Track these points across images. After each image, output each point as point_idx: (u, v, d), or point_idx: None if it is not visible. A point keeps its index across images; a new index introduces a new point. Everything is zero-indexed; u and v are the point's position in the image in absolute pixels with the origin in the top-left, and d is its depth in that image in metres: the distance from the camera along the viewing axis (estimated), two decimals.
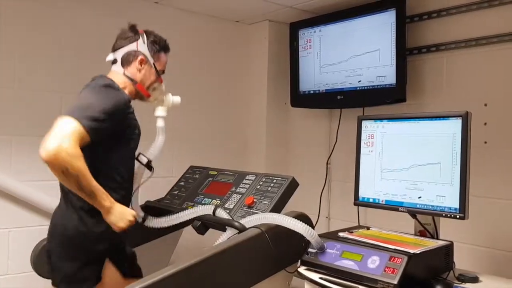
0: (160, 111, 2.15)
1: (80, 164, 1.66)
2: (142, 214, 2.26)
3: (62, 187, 1.95)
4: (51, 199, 2.43)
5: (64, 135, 1.63)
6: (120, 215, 1.84)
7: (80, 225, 1.87)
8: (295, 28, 3.38)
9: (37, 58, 2.72)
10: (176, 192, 2.54)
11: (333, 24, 3.15)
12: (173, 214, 2.18)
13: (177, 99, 2.18)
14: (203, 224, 2.18)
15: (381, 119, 2.14)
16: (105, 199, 1.79)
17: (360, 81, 3.00)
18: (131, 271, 2.03)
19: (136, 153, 2.08)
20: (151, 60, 2.07)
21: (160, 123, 2.13)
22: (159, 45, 2.10)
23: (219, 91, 3.50)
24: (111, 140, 1.85)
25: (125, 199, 2.00)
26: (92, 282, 1.87)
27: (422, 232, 2.02)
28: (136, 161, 2.09)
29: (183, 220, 2.16)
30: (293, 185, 2.19)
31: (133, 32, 2.06)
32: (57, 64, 2.77)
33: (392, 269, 1.65)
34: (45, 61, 2.74)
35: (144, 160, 2.10)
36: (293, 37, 3.40)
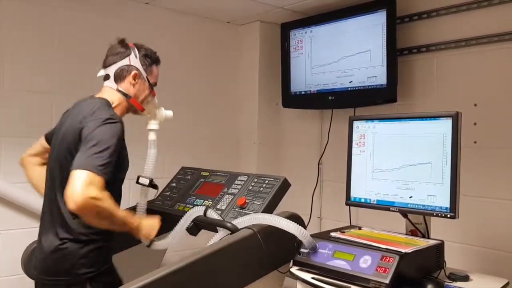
0: (153, 125, 2.15)
1: (109, 204, 1.73)
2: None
3: (49, 214, 1.93)
4: (41, 201, 2.42)
5: (87, 184, 1.66)
6: (149, 228, 1.97)
7: (68, 245, 1.85)
8: (286, 28, 3.39)
9: (27, 59, 2.70)
10: (168, 193, 2.53)
11: (324, 24, 3.16)
12: (173, 231, 2.13)
13: (169, 113, 2.20)
14: (195, 225, 2.17)
15: (372, 119, 2.15)
16: (134, 221, 1.90)
17: (351, 81, 3.01)
18: None
19: (136, 177, 2.11)
20: (144, 74, 2.06)
21: (152, 136, 2.14)
22: (151, 59, 2.09)
23: (211, 91, 3.50)
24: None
25: None
26: None
27: (413, 231, 2.03)
28: (138, 184, 2.12)
29: (184, 229, 2.13)
30: (285, 186, 2.19)
31: (124, 47, 2.04)
32: (47, 64, 2.76)
33: (384, 269, 1.65)
34: (35, 62, 2.72)
35: (146, 182, 2.12)
36: (284, 38, 3.40)
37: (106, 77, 2.04)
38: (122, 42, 2.06)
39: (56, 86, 2.78)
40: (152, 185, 2.14)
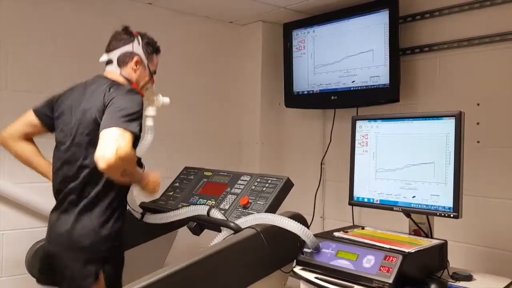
0: (151, 111, 2.22)
1: (134, 162, 1.83)
2: (140, 210, 2.28)
3: (68, 195, 1.96)
4: (45, 201, 2.43)
5: (118, 141, 1.71)
6: (154, 183, 2.02)
7: (89, 229, 1.91)
8: (288, 28, 3.39)
9: (30, 60, 2.71)
10: (171, 193, 2.54)
11: (327, 24, 3.16)
12: (171, 211, 2.20)
13: (166, 100, 2.26)
14: (198, 225, 2.18)
15: (375, 119, 2.15)
16: (144, 177, 1.97)
17: (353, 81, 3.01)
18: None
19: None
20: (145, 61, 2.13)
21: (149, 122, 2.20)
22: (153, 47, 2.17)
23: (213, 91, 3.50)
24: None
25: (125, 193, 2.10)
26: (91, 279, 1.90)
27: (417, 231, 2.03)
28: None
29: (180, 217, 2.17)
30: (288, 185, 2.20)
31: (128, 34, 2.11)
32: (50, 65, 2.76)
33: (387, 268, 1.65)
34: (37, 63, 2.73)
35: None
36: (286, 38, 3.40)
37: (109, 61, 2.09)
38: (126, 29, 2.12)
39: (58, 86, 2.76)
40: (139, 163, 2.13)
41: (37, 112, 2.11)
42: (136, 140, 1.85)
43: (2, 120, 2.61)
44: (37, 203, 2.62)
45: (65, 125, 2.01)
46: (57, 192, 2.02)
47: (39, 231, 2.50)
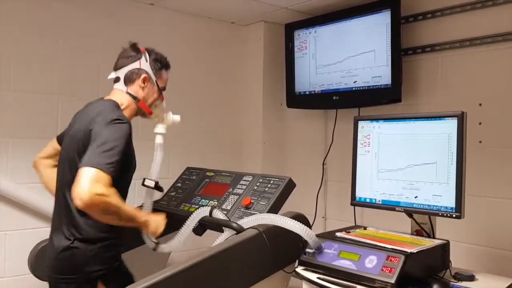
0: (160, 128, 2.18)
1: (115, 200, 1.75)
2: (155, 241, 2.21)
3: (59, 214, 1.95)
4: (48, 201, 2.43)
5: (93, 181, 1.68)
6: (156, 223, 1.99)
7: (77, 245, 1.88)
8: (290, 29, 3.39)
9: (34, 60, 2.71)
10: (173, 194, 2.54)
11: (329, 25, 3.16)
12: (178, 232, 2.14)
13: (177, 117, 2.22)
14: (201, 226, 2.18)
15: (377, 119, 2.15)
16: (141, 217, 1.93)
17: (355, 81, 3.01)
18: None
19: (141, 179, 2.13)
20: (154, 78, 2.09)
21: (159, 139, 2.16)
22: (161, 63, 2.12)
23: (215, 92, 3.50)
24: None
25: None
26: None
27: (419, 231, 2.03)
28: (143, 186, 2.15)
29: (189, 230, 2.14)
30: (290, 186, 2.20)
31: (135, 50, 2.08)
32: (53, 66, 2.77)
33: (389, 268, 1.65)
34: (41, 63, 2.74)
35: (152, 184, 2.14)
36: (288, 38, 3.41)
37: (116, 79, 2.07)
38: (134, 46, 2.09)
39: (62, 87, 2.80)
40: (157, 187, 2.17)
41: (58, 137, 2.17)
42: (116, 178, 1.77)
43: (5, 120, 2.63)
44: (40, 203, 2.63)
45: (62, 148, 2.04)
46: (53, 212, 2.02)
47: (41, 231, 2.50)
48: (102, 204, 1.70)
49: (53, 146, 2.17)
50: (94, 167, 1.71)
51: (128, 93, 2.05)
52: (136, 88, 2.06)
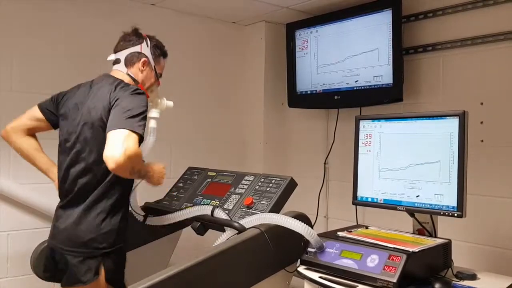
0: (154, 113, 2.24)
1: (141, 160, 1.88)
2: (142, 213, 2.30)
3: (72, 192, 1.99)
4: (49, 201, 2.44)
5: (126, 143, 1.76)
6: (158, 174, 2.06)
7: (91, 225, 1.94)
8: (291, 28, 3.39)
9: (35, 60, 2.72)
10: (175, 194, 2.54)
11: (330, 24, 3.16)
12: (173, 213, 2.21)
13: (170, 103, 2.29)
14: (202, 225, 2.18)
15: (378, 119, 2.15)
16: (149, 170, 2.00)
17: (357, 81, 3.01)
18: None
19: None
20: (152, 63, 2.16)
21: (152, 124, 2.22)
22: (160, 50, 2.21)
23: (216, 92, 3.51)
24: None
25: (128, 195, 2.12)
26: (91, 274, 1.93)
27: (421, 230, 2.03)
28: None
29: (183, 218, 2.19)
30: (291, 185, 2.20)
31: (137, 35, 2.15)
32: (55, 66, 2.78)
33: (391, 268, 1.65)
34: (43, 64, 2.74)
35: None
36: (289, 38, 3.41)
37: (117, 61, 2.14)
38: (136, 31, 2.17)
39: (62, 87, 2.78)
40: None
41: (41, 107, 2.15)
42: (141, 139, 1.88)
43: (7, 120, 2.63)
44: (42, 203, 2.64)
45: (69, 122, 2.04)
46: (61, 189, 2.04)
47: (44, 231, 2.50)
48: (132, 165, 1.78)
49: (34, 116, 2.14)
50: (125, 129, 1.79)
51: (128, 74, 2.10)
52: (135, 71, 2.12)
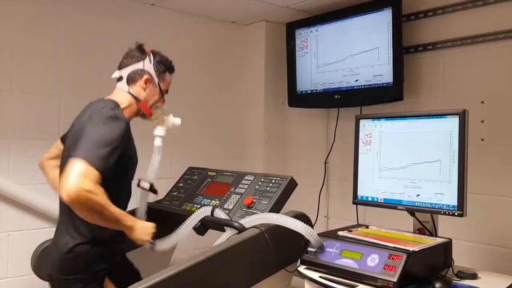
0: (159, 131, 2.16)
1: (102, 199, 1.69)
2: (151, 241, 2.22)
3: (63, 214, 1.96)
4: (50, 201, 2.44)
5: (82, 176, 1.64)
6: (143, 230, 1.91)
7: (81, 246, 1.88)
8: (291, 28, 3.39)
9: (35, 61, 2.72)
10: (175, 193, 2.54)
11: (330, 23, 3.16)
12: (177, 229, 2.13)
13: (177, 120, 2.20)
14: (203, 225, 2.18)
15: (378, 118, 2.15)
16: (127, 220, 1.85)
17: (357, 80, 3.01)
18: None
19: (136, 179, 2.10)
20: (156, 80, 2.08)
21: (157, 142, 2.14)
22: (165, 66, 2.12)
23: (217, 92, 3.51)
24: (109, 174, 1.78)
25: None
26: None
27: (421, 229, 2.03)
28: (138, 188, 2.12)
29: (189, 229, 2.13)
30: (291, 185, 2.20)
31: (140, 51, 2.08)
32: (55, 66, 2.78)
33: (391, 267, 1.65)
34: (42, 64, 2.74)
35: (147, 186, 2.12)
36: (289, 37, 3.40)
37: (119, 78, 2.08)
38: (140, 47, 2.09)
39: (63, 88, 2.80)
40: (152, 190, 2.14)
41: (62, 137, 2.17)
42: (105, 176, 1.72)
43: (7, 121, 2.64)
44: (43, 204, 2.64)
45: (65, 146, 2.04)
46: (59, 213, 2.02)
47: (44, 231, 2.51)
48: (88, 201, 1.64)
49: (57, 146, 2.18)
50: (84, 160, 1.66)
51: (129, 93, 2.05)
52: (138, 89, 2.05)
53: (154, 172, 2.12)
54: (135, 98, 2.05)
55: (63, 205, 1.94)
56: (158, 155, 2.13)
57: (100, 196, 1.68)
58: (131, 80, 2.05)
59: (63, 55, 2.80)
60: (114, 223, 1.79)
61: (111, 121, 1.83)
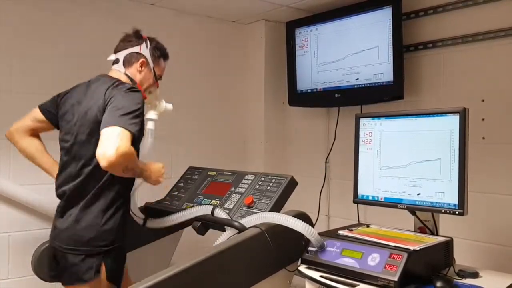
0: (152, 114, 2.25)
1: (135, 158, 1.88)
2: (142, 216, 2.29)
3: (71, 192, 2.00)
4: (51, 202, 2.43)
5: (119, 141, 1.77)
6: (156, 173, 2.09)
7: (90, 224, 1.96)
8: (291, 27, 3.38)
9: (34, 61, 2.72)
10: (175, 193, 2.54)
11: (330, 22, 3.15)
12: (173, 214, 2.21)
13: (169, 106, 2.30)
14: (203, 225, 2.18)
15: (378, 116, 2.14)
16: (147, 170, 2.04)
17: (357, 79, 3.00)
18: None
19: None
20: (151, 64, 2.17)
21: (150, 125, 2.22)
22: (160, 52, 2.21)
23: (217, 91, 3.50)
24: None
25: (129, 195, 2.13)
26: (92, 272, 1.95)
27: (422, 228, 2.03)
28: None
29: (183, 219, 2.19)
30: (292, 184, 2.19)
31: (137, 36, 2.17)
32: (54, 67, 2.77)
33: (392, 266, 1.65)
34: (42, 64, 2.74)
35: None
36: (289, 36, 3.40)
37: (116, 61, 2.15)
38: (136, 32, 2.18)
39: (63, 87, 2.78)
40: None
41: (42, 108, 2.17)
42: (136, 137, 1.89)
43: (7, 121, 2.63)
44: (43, 204, 2.63)
45: (67, 123, 2.06)
46: (59, 190, 2.06)
47: (45, 232, 2.49)
48: (126, 163, 1.80)
49: (35, 117, 2.17)
50: (118, 126, 1.79)
51: (125, 74, 2.11)
52: (133, 71, 2.13)
53: (146, 151, 2.18)
54: (131, 79, 2.11)
55: (76, 180, 1.98)
56: (151, 138, 2.20)
57: (134, 156, 1.85)
58: (127, 62, 2.13)
59: (62, 54, 2.80)
60: (140, 174, 2.01)
61: (132, 92, 1.95)
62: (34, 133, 2.19)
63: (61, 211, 2.03)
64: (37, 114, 2.17)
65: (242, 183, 2.32)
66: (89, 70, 2.82)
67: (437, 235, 1.98)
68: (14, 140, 2.19)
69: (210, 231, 2.21)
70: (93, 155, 1.87)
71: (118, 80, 2.04)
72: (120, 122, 1.81)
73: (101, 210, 1.97)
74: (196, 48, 3.38)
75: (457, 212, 1.85)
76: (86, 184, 1.97)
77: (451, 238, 1.92)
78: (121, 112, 1.84)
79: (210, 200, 2.32)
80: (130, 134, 1.81)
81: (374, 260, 1.71)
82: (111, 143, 1.75)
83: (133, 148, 1.82)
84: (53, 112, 2.15)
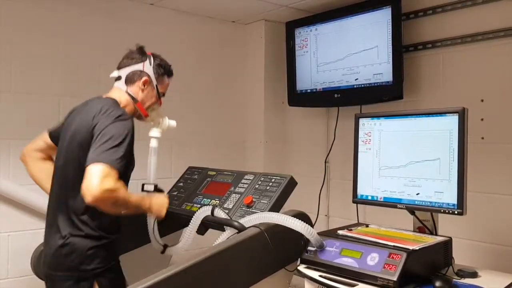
0: (155, 132, 2.21)
1: (124, 192, 1.84)
2: (161, 243, 2.26)
3: (56, 212, 1.97)
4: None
5: (103, 177, 1.74)
6: (159, 206, 2.11)
7: (74, 239, 1.90)
8: (291, 27, 3.39)
9: (34, 61, 2.72)
10: (175, 193, 2.54)
11: (329, 22, 3.15)
12: (183, 235, 2.16)
13: (173, 123, 2.25)
14: (203, 225, 2.18)
15: (378, 116, 2.15)
16: (145, 204, 2.04)
17: (357, 79, 3.00)
18: None
19: (140, 178, 2.16)
20: (155, 82, 2.12)
21: (153, 143, 2.20)
22: (164, 69, 2.15)
23: (217, 91, 3.51)
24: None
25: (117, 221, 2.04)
26: None
27: (421, 228, 2.03)
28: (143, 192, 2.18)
29: (194, 232, 2.15)
30: (291, 184, 2.19)
31: (141, 53, 2.12)
32: (54, 66, 2.78)
33: (391, 266, 1.65)
34: (42, 64, 2.74)
35: (151, 188, 2.18)
36: (289, 36, 3.40)
37: (118, 78, 2.10)
38: (140, 49, 2.13)
39: (63, 88, 2.80)
40: (157, 189, 2.20)
41: (50, 132, 2.18)
42: (123, 171, 1.84)
43: (7, 121, 2.64)
44: (43, 204, 2.62)
45: (61, 142, 2.04)
46: (48, 210, 2.03)
47: (44, 232, 2.51)
48: (112, 199, 1.77)
49: (44, 140, 2.18)
50: (103, 163, 1.76)
51: (127, 92, 2.07)
52: (135, 89, 2.09)
53: (153, 173, 2.18)
54: (133, 98, 2.08)
55: (60, 203, 1.95)
56: (154, 156, 2.18)
57: (122, 191, 1.81)
58: (129, 80, 2.08)
59: (62, 55, 2.80)
60: (136, 209, 1.98)
61: (120, 120, 1.89)
62: (47, 156, 2.18)
63: (47, 231, 2.00)
64: (46, 137, 2.18)
65: (242, 183, 2.32)
66: (89, 70, 2.84)
67: (436, 235, 1.99)
68: (26, 164, 2.19)
69: (210, 231, 2.21)
70: (74, 179, 1.84)
71: (112, 104, 1.97)
72: (104, 158, 1.77)
73: (88, 234, 1.91)
74: (195, 48, 3.38)
75: (456, 212, 1.85)
76: (68, 205, 1.91)
77: (450, 238, 1.92)
78: (106, 147, 1.79)
79: (209, 200, 2.32)
80: (115, 171, 1.77)
81: (373, 259, 1.72)
82: (95, 180, 1.72)
83: (119, 182, 1.79)
84: (57, 136, 2.11)
